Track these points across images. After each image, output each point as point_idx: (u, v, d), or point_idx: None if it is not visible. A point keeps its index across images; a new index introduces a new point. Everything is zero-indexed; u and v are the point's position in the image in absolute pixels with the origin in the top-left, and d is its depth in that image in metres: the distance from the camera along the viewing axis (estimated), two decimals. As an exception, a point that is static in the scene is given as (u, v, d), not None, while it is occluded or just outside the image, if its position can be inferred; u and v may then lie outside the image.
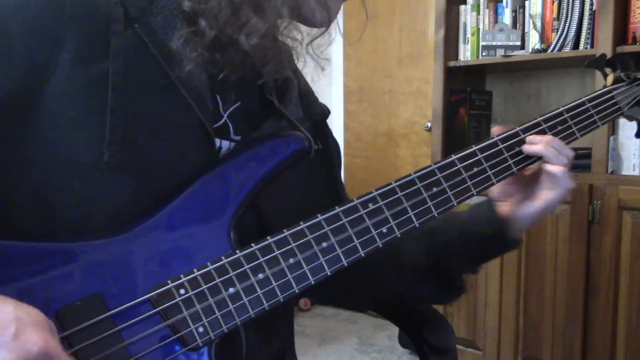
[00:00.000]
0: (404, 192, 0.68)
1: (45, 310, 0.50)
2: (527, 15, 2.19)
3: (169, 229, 0.60)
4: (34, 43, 0.56)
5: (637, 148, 1.91)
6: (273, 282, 0.61)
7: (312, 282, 0.62)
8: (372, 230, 0.66)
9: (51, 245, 0.56)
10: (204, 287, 0.58)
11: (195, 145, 0.64)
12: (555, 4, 2.10)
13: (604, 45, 1.90)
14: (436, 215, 0.70)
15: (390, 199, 0.68)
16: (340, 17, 0.73)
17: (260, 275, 0.60)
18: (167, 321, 0.57)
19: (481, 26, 2.30)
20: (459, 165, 0.72)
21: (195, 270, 0.59)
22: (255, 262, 0.61)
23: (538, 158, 0.77)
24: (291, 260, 0.62)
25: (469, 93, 2.36)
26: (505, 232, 0.78)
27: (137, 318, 0.56)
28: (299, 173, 0.75)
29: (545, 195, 0.76)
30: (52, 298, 0.50)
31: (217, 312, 0.58)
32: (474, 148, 0.74)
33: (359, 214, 0.66)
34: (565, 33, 2.05)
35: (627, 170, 1.93)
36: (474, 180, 0.72)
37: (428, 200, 0.69)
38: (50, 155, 0.57)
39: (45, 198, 0.58)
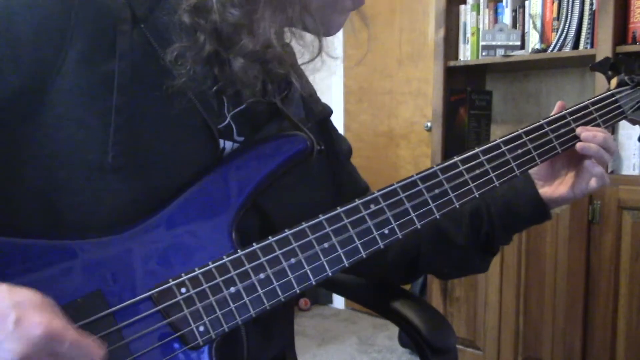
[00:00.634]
0: (406, 194, 0.68)
1: None
2: (527, 15, 2.19)
3: (171, 227, 0.60)
4: (42, 42, 0.56)
5: (637, 148, 1.91)
6: (274, 281, 0.61)
7: (313, 283, 0.63)
8: (374, 231, 0.66)
9: (53, 242, 0.56)
10: (205, 285, 0.58)
11: (200, 146, 0.64)
12: (555, 4, 2.10)
13: (604, 45, 1.90)
14: (438, 217, 0.70)
15: (392, 200, 0.68)
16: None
17: (262, 275, 0.60)
18: (168, 319, 0.57)
19: (481, 26, 2.30)
20: (461, 167, 0.72)
21: (196, 268, 0.59)
22: (256, 262, 0.61)
23: (536, 163, 0.77)
24: (292, 260, 0.62)
25: (469, 93, 2.35)
26: (542, 210, 0.82)
27: (138, 316, 0.56)
28: (304, 174, 0.75)
29: (580, 187, 0.80)
30: (54, 295, 0.50)
31: (218, 311, 0.58)
32: (477, 150, 0.74)
33: (361, 214, 0.66)
34: (565, 33, 2.05)
35: (627, 170, 1.93)
36: (476, 182, 0.72)
37: (430, 201, 0.69)
38: (55, 154, 0.57)
39: (48, 197, 0.58)
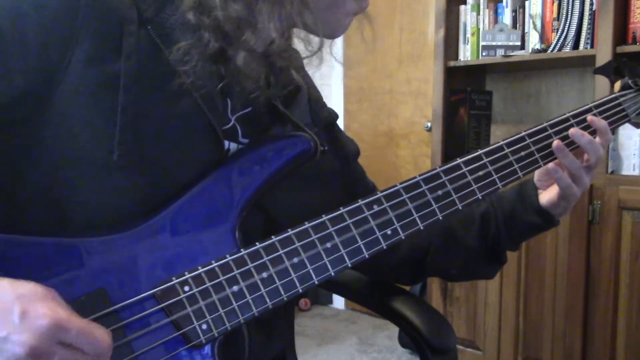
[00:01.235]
0: (409, 195, 0.69)
1: None
2: (527, 15, 2.20)
3: (175, 227, 0.60)
4: (49, 42, 0.56)
5: (637, 148, 1.91)
6: (277, 281, 0.61)
7: (316, 282, 0.63)
8: (377, 231, 0.66)
9: (58, 240, 0.56)
10: (208, 284, 0.59)
11: (204, 146, 0.64)
12: (555, 4, 2.10)
13: (604, 45, 1.90)
14: (440, 218, 0.70)
15: (395, 200, 0.68)
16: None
17: (264, 274, 0.61)
18: (171, 317, 0.57)
19: (481, 26, 2.30)
20: (464, 169, 0.72)
21: (199, 267, 0.59)
22: (259, 261, 0.61)
23: (539, 165, 0.77)
24: (295, 260, 0.62)
25: (469, 93, 2.36)
26: (548, 217, 0.81)
27: (141, 314, 0.57)
28: (313, 176, 0.76)
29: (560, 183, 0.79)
30: (58, 293, 0.50)
31: (220, 309, 0.59)
32: (480, 152, 0.74)
33: (364, 215, 0.66)
34: (565, 33, 2.06)
35: (627, 170, 1.93)
36: (479, 184, 0.72)
37: (433, 202, 0.69)
38: (61, 153, 0.57)
39: (54, 195, 0.58)
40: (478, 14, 2.31)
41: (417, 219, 0.68)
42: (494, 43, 2.24)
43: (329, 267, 0.63)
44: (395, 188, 0.69)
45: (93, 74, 0.57)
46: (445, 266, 0.88)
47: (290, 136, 0.69)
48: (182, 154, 0.62)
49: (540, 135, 0.77)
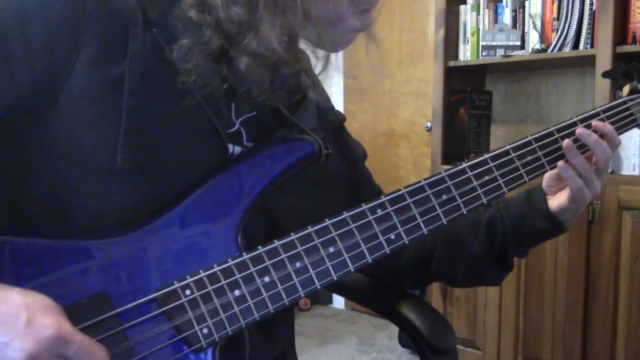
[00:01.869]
0: (413, 199, 0.68)
1: None
2: (527, 15, 2.20)
3: (177, 230, 0.60)
4: (54, 44, 0.56)
5: (637, 148, 1.91)
6: (279, 285, 0.61)
7: (318, 287, 0.62)
8: (380, 236, 0.66)
9: (60, 242, 0.57)
10: (209, 288, 0.59)
11: (208, 150, 0.64)
12: (555, 4, 2.10)
13: (604, 45, 1.90)
14: (445, 223, 0.69)
15: (399, 205, 0.67)
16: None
17: (267, 278, 0.60)
18: (172, 321, 0.57)
19: (481, 26, 2.30)
20: (470, 173, 0.72)
21: (201, 271, 0.59)
22: (261, 265, 0.61)
23: (545, 170, 0.76)
24: (297, 264, 0.62)
25: (469, 93, 2.35)
26: (556, 223, 0.80)
27: (142, 317, 0.56)
28: (321, 180, 0.75)
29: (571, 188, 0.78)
30: (59, 295, 0.51)
31: (222, 314, 0.58)
32: (486, 156, 0.73)
33: (367, 219, 0.66)
34: (565, 33, 2.05)
35: (627, 170, 1.93)
36: (484, 189, 0.72)
37: (437, 207, 0.69)
38: (65, 155, 0.57)
39: (58, 198, 0.58)
40: (478, 14, 2.31)
41: (421, 223, 0.68)
42: (494, 43, 2.24)
43: (332, 272, 0.63)
44: (400, 192, 0.68)
45: (98, 76, 0.57)
46: (450, 271, 0.87)
47: (295, 139, 0.68)
48: (186, 158, 0.62)
49: (547, 140, 0.76)
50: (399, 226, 0.67)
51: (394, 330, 2.72)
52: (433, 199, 0.69)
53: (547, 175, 0.80)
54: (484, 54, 2.26)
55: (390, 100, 3.07)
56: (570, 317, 1.98)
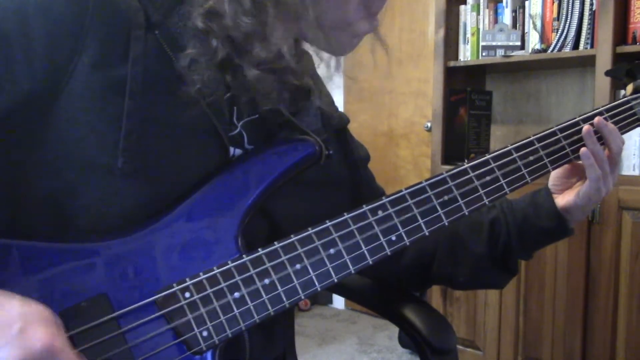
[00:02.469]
0: (414, 200, 0.67)
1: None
2: (527, 15, 2.19)
3: (177, 232, 0.60)
4: (55, 46, 0.56)
5: (637, 148, 1.91)
6: (279, 287, 0.60)
7: (319, 289, 0.62)
8: (381, 237, 0.65)
9: (60, 245, 0.56)
10: (209, 290, 0.58)
11: (210, 153, 0.64)
12: (555, 4, 2.10)
13: (604, 45, 1.90)
14: (446, 224, 0.68)
15: (400, 206, 0.67)
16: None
17: (266, 281, 0.60)
18: (171, 324, 0.57)
19: (481, 26, 2.30)
20: (472, 174, 0.71)
21: (200, 273, 0.59)
22: (261, 267, 0.60)
23: (547, 170, 0.76)
24: (298, 266, 0.61)
25: (469, 93, 2.35)
26: (563, 223, 0.79)
27: (142, 320, 0.56)
28: (322, 182, 0.75)
29: (582, 190, 0.78)
30: (59, 298, 0.51)
31: (221, 316, 0.58)
32: (488, 157, 0.73)
33: (368, 221, 0.65)
34: (565, 33, 2.05)
35: (627, 170, 1.93)
36: (486, 189, 0.71)
37: (439, 208, 0.68)
38: (65, 158, 0.57)
39: (58, 200, 0.58)
40: (478, 14, 2.31)
41: (422, 225, 0.67)
42: (494, 43, 2.24)
43: (332, 273, 0.63)
44: (401, 193, 0.67)
45: (99, 78, 0.57)
46: (452, 273, 0.86)
47: (295, 140, 0.68)
48: (186, 160, 0.62)
49: (550, 140, 0.76)
50: (400, 227, 0.66)
51: (394, 330, 2.72)
52: (434, 199, 0.68)
53: (553, 173, 0.80)
54: (484, 54, 2.26)
55: (390, 100, 3.07)
56: (570, 317, 1.98)
